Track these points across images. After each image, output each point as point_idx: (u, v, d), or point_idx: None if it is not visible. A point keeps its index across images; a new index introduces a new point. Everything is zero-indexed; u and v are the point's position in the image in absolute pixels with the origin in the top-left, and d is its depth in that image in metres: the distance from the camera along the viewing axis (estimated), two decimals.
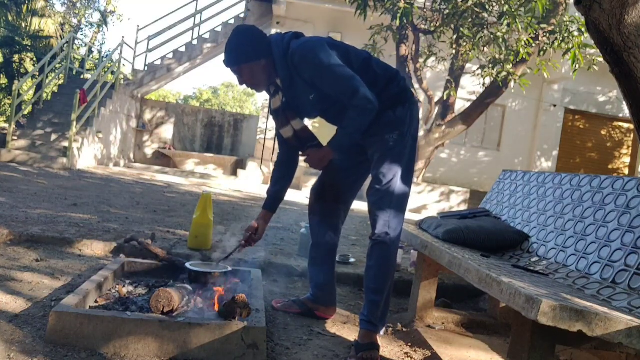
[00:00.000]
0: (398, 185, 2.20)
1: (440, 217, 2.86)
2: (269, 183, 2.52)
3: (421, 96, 10.16)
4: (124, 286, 2.59)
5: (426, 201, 9.93)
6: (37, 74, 11.42)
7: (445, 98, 9.28)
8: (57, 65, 12.06)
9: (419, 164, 9.58)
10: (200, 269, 2.52)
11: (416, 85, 9.20)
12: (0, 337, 1.92)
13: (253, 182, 11.54)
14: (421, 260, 2.72)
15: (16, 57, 13.63)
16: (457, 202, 10.26)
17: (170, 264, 2.88)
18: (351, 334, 2.47)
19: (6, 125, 12.15)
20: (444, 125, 9.27)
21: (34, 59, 14.13)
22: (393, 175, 2.19)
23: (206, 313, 2.21)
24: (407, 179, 2.24)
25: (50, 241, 3.22)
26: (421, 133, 8.98)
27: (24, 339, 1.93)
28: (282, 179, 2.49)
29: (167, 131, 13.72)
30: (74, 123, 9.32)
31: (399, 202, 2.22)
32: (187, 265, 2.56)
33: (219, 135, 13.95)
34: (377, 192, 2.22)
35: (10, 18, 13.89)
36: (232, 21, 13.06)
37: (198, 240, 3.34)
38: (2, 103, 14.95)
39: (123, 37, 12.96)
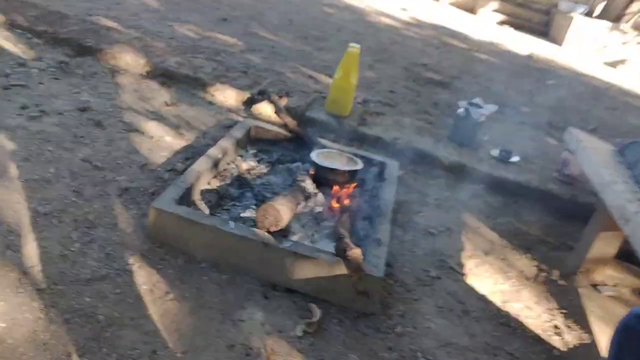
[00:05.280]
0: None
1: None
2: None
3: None
4: (244, 160, 2.33)
5: (629, 55, 7.84)
6: None
7: None
8: None
9: (633, 7, 7.61)
10: (325, 164, 2.14)
11: None
12: (105, 216, 1.79)
13: None
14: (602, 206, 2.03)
15: None
16: None
17: (298, 136, 2.52)
18: (493, 275, 2.03)
19: None
20: None
21: None
22: None
23: (321, 232, 1.89)
24: None
25: (183, 79, 3.00)
26: None
27: (126, 225, 1.79)
28: None
29: None
30: None
31: None
32: (313, 156, 2.18)
33: None
34: None
35: None
36: None
37: (336, 105, 2.90)
38: None
39: None
